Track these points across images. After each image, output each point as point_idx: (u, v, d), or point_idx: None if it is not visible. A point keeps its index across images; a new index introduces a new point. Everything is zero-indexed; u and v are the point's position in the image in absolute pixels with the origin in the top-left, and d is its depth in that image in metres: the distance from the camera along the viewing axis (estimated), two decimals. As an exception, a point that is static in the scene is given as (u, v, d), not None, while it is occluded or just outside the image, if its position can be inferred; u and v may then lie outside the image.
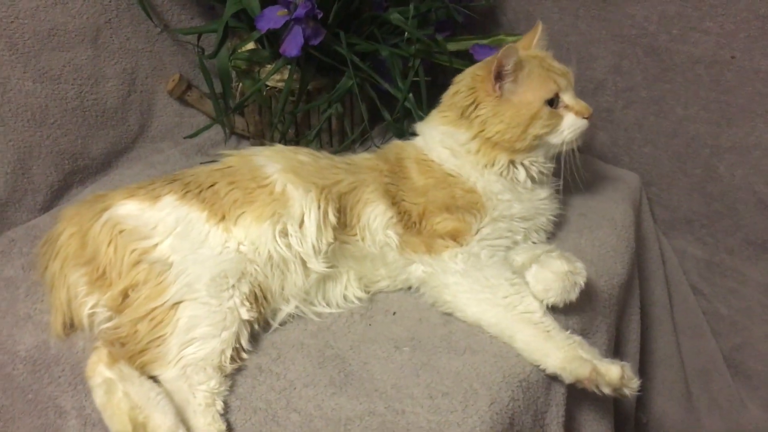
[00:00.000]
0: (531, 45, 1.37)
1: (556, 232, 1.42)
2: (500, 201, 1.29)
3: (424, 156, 1.34)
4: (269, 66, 1.60)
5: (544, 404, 1.13)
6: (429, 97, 1.60)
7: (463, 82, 1.35)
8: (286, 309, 1.19)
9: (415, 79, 1.59)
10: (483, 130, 1.28)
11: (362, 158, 1.36)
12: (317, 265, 1.18)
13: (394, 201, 1.27)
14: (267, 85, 1.62)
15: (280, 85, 1.61)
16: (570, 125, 1.30)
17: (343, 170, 1.28)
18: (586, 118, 1.31)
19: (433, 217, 1.26)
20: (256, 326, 1.15)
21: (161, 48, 1.70)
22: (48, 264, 1.18)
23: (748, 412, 1.74)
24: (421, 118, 1.55)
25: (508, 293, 1.16)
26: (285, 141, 1.61)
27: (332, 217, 1.20)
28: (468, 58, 1.61)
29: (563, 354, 1.10)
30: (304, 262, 1.18)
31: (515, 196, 1.31)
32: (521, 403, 1.08)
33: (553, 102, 1.28)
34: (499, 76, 1.26)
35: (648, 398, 1.73)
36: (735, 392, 1.75)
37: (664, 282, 1.72)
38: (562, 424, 1.17)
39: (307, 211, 1.18)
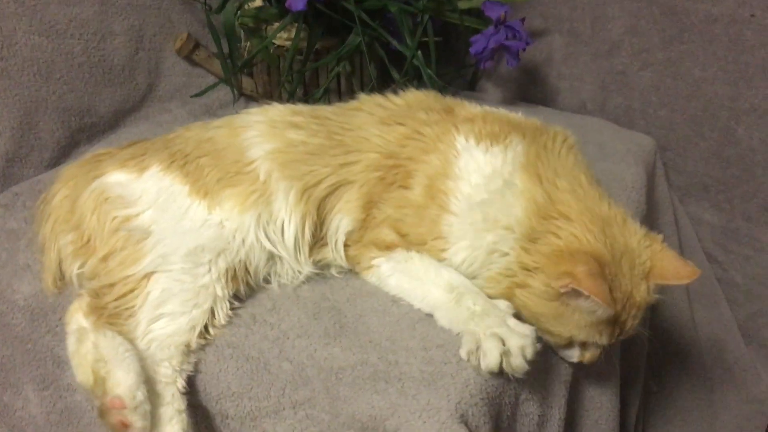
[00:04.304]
0: (666, 280, 1.05)
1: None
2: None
3: (446, 186, 1.11)
4: (277, 24, 1.58)
5: (545, 356, 1.11)
6: (439, 58, 1.57)
7: (579, 236, 1.02)
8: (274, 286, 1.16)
9: (424, 39, 1.56)
10: (512, 288, 1.05)
11: (371, 136, 1.17)
12: (305, 268, 1.16)
13: (368, 206, 1.16)
14: (275, 44, 1.60)
15: (288, 43, 1.59)
16: (565, 353, 1.11)
17: (332, 158, 1.16)
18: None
19: (383, 230, 1.15)
20: (242, 298, 1.13)
21: (169, 5, 1.69)
22: (42, 224, 1.18)
23: (762, 382, 1.71)
24: (429, 78, 1.53)
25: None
26: (293, 101, 1.58)
27: (308, 233, 1.14)
28: (480, 16, 1.58)
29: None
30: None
31: None
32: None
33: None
34: (576, 294, 0.99)
35: (660, 367, 1.70)
36: (750, 361, 1.72)
37: (679, 249, 1.68)
38: (564, 383, 1.14)
39: (286, 219, 1.13)
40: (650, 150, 1.62)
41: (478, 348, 0.98)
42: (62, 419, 1.21)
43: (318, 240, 1.16)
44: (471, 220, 1.08)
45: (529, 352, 0.98)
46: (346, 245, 1.17)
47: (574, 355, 1.09)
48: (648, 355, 1.56)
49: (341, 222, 1.16)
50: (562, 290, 0.98)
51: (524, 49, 1.54)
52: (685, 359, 1.74)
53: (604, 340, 1.05)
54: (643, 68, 1.66)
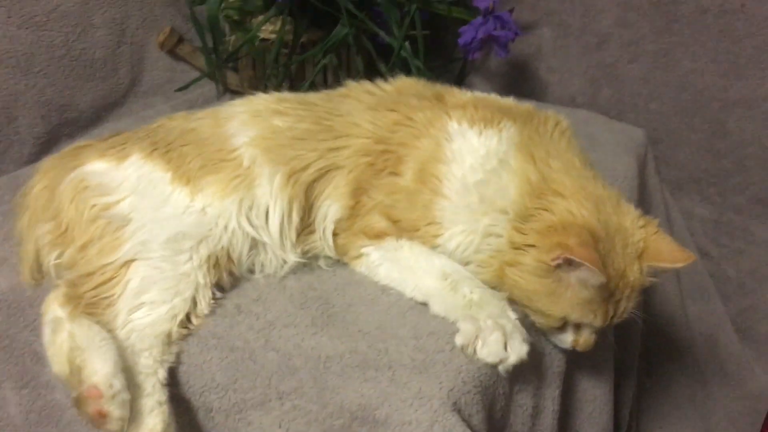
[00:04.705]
0: (659, 262, 1.03)
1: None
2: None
3: (439, 170, 1.09)
4: (262, 17, 1.55)
5: (539, 348, 1.08)
6: (426, 52, 1.55)
7: (567, 211, 1.01)
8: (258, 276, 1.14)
9: (412, 32, 1.54)
10: (503, 269, 1.04)
11: (361, 121, 1.15)
12: (290, 256, 1.13)
13: (358, 193, 1.13)
14: (260, 37, 1.58)
15: (273, 36, 1.57)
16: (558, 339, 1.07)
17: (320, 143, 1.14)
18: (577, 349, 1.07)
19: (373, 217, 1.12)
20: (225, 288, 1.10)
21: (152, -1, 1.66)
22: (20, 217, 1.15)
23: (756, 377, 1.70)
24: (418, 69, 1.51)
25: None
26: (280, 93, 1.56)
27: (295, 217, 1.12)
28: (467, 7, 1.56)
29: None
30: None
31: None
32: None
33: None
34: (568, 265, 0.97)
35: (653, 363, 1.68)
36: (743, 356, 1.70)
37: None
38: (558, 374, 1.12)
39: (272, 204, 1.11)
40: (641, 142, 1.60)
41: (477, 337, 0.96)
42: (41, 418, 1.17)
43: (306, 226, 1.14)
44: (466, 203, 1.06)
45: (526, 349, 0.97)
46: (334, 234, 1.14)
47: (567, 339, 1.06)
48: (641, 350, 1.54)
49: (330, 209, 1.13)
50: (555, 263, 0.96)
51: (513, 40, 1.52)
52: (679, 355, 1.72)
53: (597, 321, 1.02)
54: (633, 60, 1.65)
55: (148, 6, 1.66)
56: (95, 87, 1.61)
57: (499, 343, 0.95)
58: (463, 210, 1.06)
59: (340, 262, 1.16)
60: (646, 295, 1.50)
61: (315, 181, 1.13)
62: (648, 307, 1.57)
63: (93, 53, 1.58)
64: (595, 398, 1.24)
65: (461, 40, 1.52)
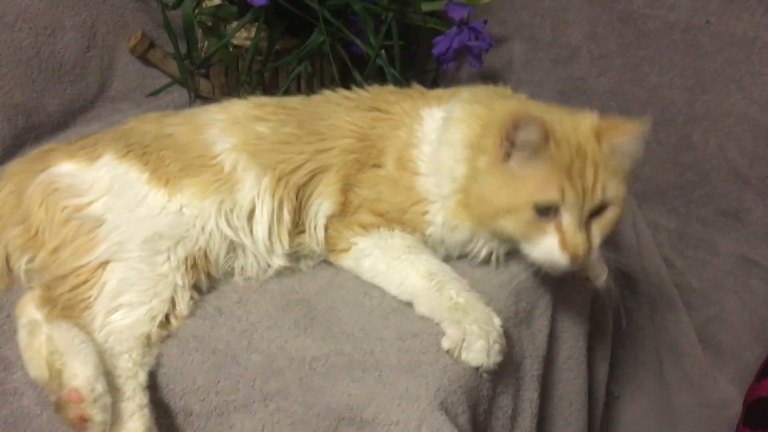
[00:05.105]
0: (611, 136, 1.06)
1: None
2: (444, 244, 1.16)
3: (414, 153, 1.14)
4: (236, 23, 1.55)
5: (520, 353, 1.10)
6: (402, 61, 1.56)
7: (504, 110, 1.09)
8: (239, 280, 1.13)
9: (388, 43, 1.55)
10: (467, 186, 1.08)
11: (343, 122, 1.18)
12: (275, 261, 1.13)
13: (346, 191, 1.15)
14: (234, 44, 1.57)
15: (248, 43, 1.56)
16: (545, 251, 1.04)
17: (307, 146, 1.15)
18: (571, 258, 1.03)
19: (362, 214, 1.15)
20: (202, 289, 1.09)
21: (123, 3, 1.63)
22: None
23: (719, 386, 1.72)
24: (394, 77, 1.51)
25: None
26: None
27: (287, 217, 1.12)
28: (442, 18, 1.57)
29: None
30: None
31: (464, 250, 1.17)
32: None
33: (548, 211, 1.02)
34: (509, 140, 1.02)
35: (620, 371, 1.70)
36: (706, 366, 1.73)
37: (638, 254, 1.70)
38: (536, 377, 1.13)
39: (259, 204, 1.11)
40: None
41: (462, 341, 0.97)
42: (7, 427, 1.13)
43: (297, 226, 1.14)
44: (437, 176, 1.11)
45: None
46: (325, 229, 1.15)
47: (553, 246, 1.02)
48: (610, 359, 1.56)
49: (321, 206, 1.14)
50: (501, 149, 1.02)
51: (487, 50, 1.55)
52: (645, 364, 1.74)
53: (569, 196, 1.01)
54: (602, 74, 1.68)
55: (120, 10, 1.63)
56: (63, 91, 1.57)
57: (483, 351, 0.97)
58: (437, 182, 1.11)
59: (320, 264, 1.16)
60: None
61: (305, 184, 1.13)
62: (616, 314, 1.60)
63: (62, 56, 1.55)
64: (570, 404, 1.26)
65: (436, 50, 1.53)
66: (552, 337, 1.19)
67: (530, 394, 1.12)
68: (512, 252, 1.15)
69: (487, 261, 1.15)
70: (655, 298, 1.75)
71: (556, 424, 1.24)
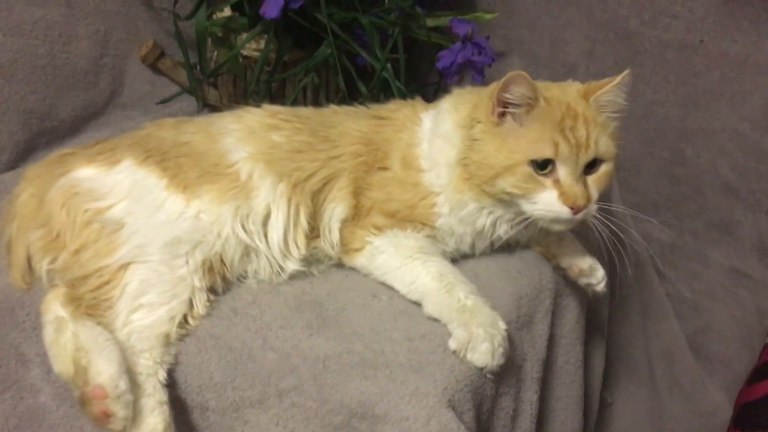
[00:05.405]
0: (596, 92, 1.14)
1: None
2: (454, 234, 1.21)
3: (416, 152, 1.20)
4: (246, 34, 1.59)
5: (521, 355, 1.14)
6: (406, 74, 1.61)
7: (489, 87, 1.18)
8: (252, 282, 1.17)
9: (393, 56, 1.59)
10: (466, 157, 1.13)
11: (351, 129, 1.23)
12: (289, 265, 1.16)
13: (357, 194, 1.20)
14: (243, 55, 1.61)
15: (256, 54, 1.61)
16: (546, 203, 1.10)
17: (320, 153, 1.20)
18: (571, 209, 1.09)
19: (375, 216, 1.19)
20: (218, 291, 1.13)
21: (136, 12, 1.68)
22: (7, 224, 1.15)
23: (709, 394, 1.77)
24: (399, 91, 1.56)
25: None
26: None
27: (304, 222, 1.16)
28: (445, 34, 1.62)
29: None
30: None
31: (474, 236, 1.21)
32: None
33: (545, 166, 1.08)
34: (501, 102, 1.09)
35: (614, 378, 1.74)
36: (697, 374, 1.78)
37: (632, 264, 1.74)
38: (536, 380, 1.17)
39: (274, 210, 1.15)
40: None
41: (469, 342, 1.01)
42: (22, 422, 1.15)
43: (312, 231, 1.18)
44: (437, 169, 1.17)
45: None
46: (339, 232, 1.19)
47: (553, 199, 1.09)
48: (604, 366, 1.61)
49: (335, 211, 1.18)
50: (494, 104, 1.09)
51: (490, 65, 1.59)
52: (637, 371, 1.79)
53: (563, 149, 1.07)
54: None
55: (132, 20, 1.68)
56: (76, 97, 1.61)
57: (488, 353, 1.02)
58: (437, 174, 1.17)
59: (330, 269, 1.20)
60: (609, 309, 1.58)
61: (320, 189, 1.18)
62: (610, 321, 1.65)
63: (76, 63, 1.59)
64: (567, 406, 1.30)
65: (440, 64, 1.58)
66: (551, 342, 1.23)
67: (530, 396, 1.16)
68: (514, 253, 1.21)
69: (492, 239, 1.20)
70: (647, 308, 1.80)
71: (552, 425, 1.27)
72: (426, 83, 1.85)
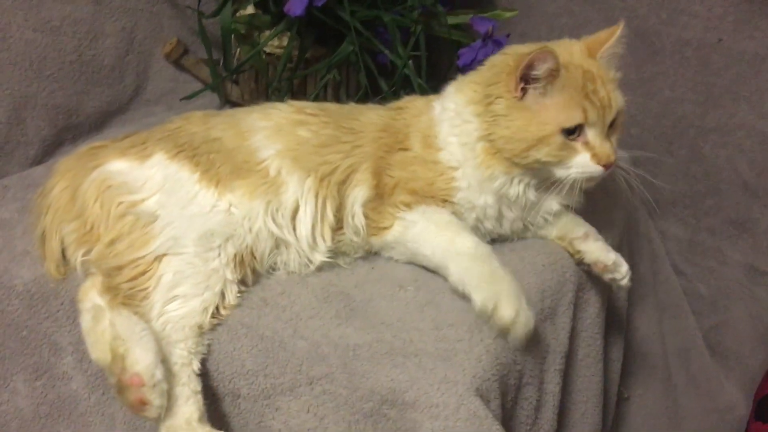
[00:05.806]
0: (600, 48, 1.19)
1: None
2: (475, 207, 1.22)
3: (433, 132, 1.23)
4: (269, 32, 1.61)
5: (544, 347, 1.15)
6: (428, 71, 1.63)
7: (504, 59, 1.19)
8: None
9: (414, 53, 1.61)
10: (491, 133, 1.15)
11: (372, 119, 1.27)
12: (317, 256, 1.18)
13: (378, 173, 1.22)
14: (265, 52, 1.63)
15: (279, 51, 1.63)
16: (580, 166, 1.14)
17: (345, 144, 1.22)
18: (603, 166, 1.14)
19: (401, 194, 1.21)
20: (248, 283, 1.15)
21: (161, 10, 1.71)
22: (41, 217, 1.18)
23: (725, 391, 1.77)
24: (420, 87, 1.58)
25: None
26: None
27: (330, 215, 1.18)
28: (466, 31, 1.64)
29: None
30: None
31: (501, 204, 1.23)
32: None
33: (574, 131, 1.12)
34: (525, 78, 1.11)
35: (630, 374, 1.75)
36: (713, 371, 1.79)
37: (650, 260, 1.76)
38: (558, 372, 1.19)
39: (302, 204, 1.17)
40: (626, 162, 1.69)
41: (497, 298, 1.04)
42: (53, 410, 1.19)
43: (338, 223, 1.20)
44: (455, 145, 1.21)
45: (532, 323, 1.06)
46: (364, 215, 1.21)
47: (587, 161, 1.13)
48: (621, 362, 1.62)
49: (357, 195, 1.21)
50: (519, 91, 1.12)
51: (510, 63, 1.61)
52: (653, 368, 1.80)
53: (591, 113, 1.12)
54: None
55: (157, 17, 1.71)
56: (101, 93, 1.64)
57: (514, 309, 1.03)
58: (451, 152, 1.21)
59: (356, 261, 1.22)
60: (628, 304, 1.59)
61: (345, 179, 1.20)
62: (628, 317, 1.66)
63: (102, 60, 1.62)
64: (587, 399, 1.31)
65: (461, 62, 1.59)
66: (572, 335, 1.25)
67: (552, 387, 1.17)
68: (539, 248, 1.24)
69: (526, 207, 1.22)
70: (664, 304, 1.81)
71: (573, 417, 1.29)
72: (446, 79, 1.86)
